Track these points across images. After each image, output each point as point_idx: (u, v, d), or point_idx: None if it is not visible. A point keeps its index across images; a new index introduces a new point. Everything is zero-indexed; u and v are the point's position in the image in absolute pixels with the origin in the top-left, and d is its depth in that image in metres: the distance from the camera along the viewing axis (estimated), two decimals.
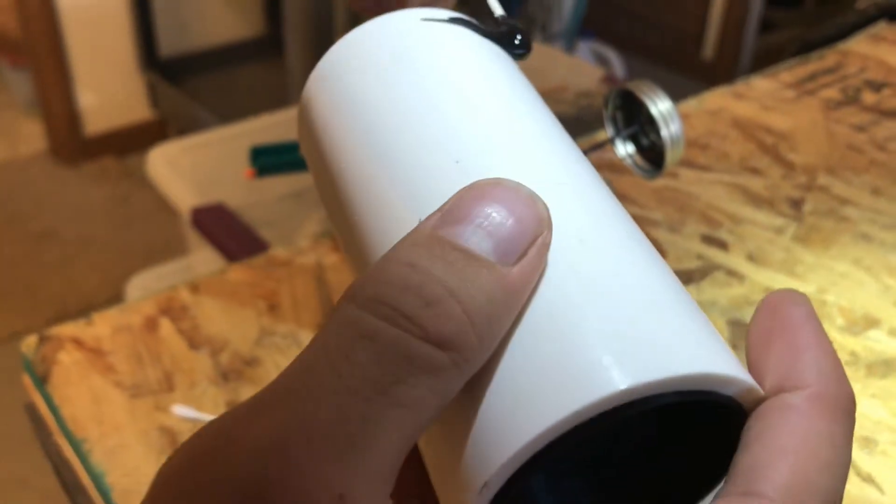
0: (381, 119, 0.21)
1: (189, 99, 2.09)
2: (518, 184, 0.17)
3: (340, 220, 0.22)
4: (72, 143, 2.18)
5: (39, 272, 1.88)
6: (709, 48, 2.64)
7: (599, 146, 0.51)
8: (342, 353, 0.15)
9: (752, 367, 0.19)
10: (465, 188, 0.17)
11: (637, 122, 0.50)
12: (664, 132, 0.47)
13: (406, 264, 0.15)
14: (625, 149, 0.50)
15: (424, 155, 0.20)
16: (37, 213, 2.05)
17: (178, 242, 1.94)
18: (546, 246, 0.17)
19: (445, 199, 0.17)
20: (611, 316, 0.17)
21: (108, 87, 2.18)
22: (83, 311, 1.78)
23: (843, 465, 0.16)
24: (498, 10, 0.27)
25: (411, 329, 0.15)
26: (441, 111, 0.21)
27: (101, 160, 2.21)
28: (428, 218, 0.16)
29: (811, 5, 2.82)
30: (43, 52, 2.06)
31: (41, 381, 0.50)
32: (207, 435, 0.15)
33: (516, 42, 0.26)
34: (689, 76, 2.67)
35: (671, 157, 0.48)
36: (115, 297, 1.80)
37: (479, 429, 0.16)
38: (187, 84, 2.14)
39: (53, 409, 0.49)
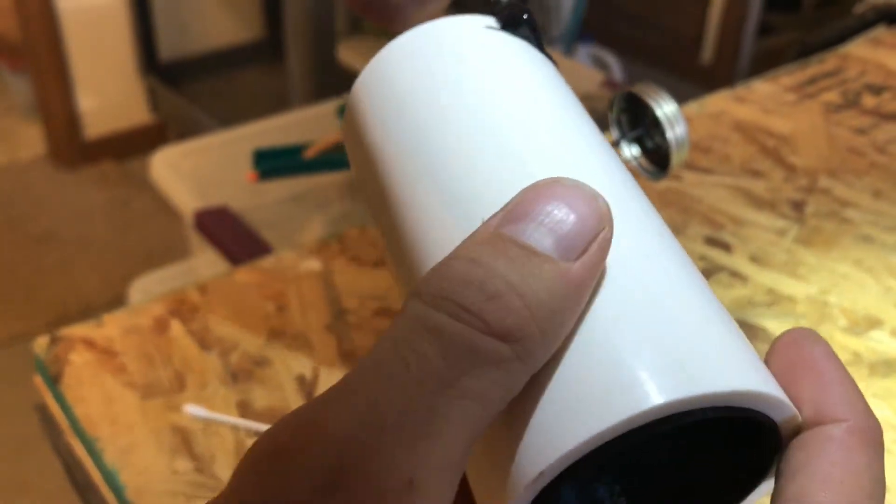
0: (444, 121, 0.22)
1: (188, 102, 2.09)
2: (578, 182, 0.18)
3: (389, 218, 0.22)
4: (71, 146, 2.18)
5: (39, 275, 1.88)
6: (708, 51, 2.65)
7: None
8: (410, 347, 0.15)
9: None
10: (526, 188, 0.17)
11: (642, 125, 0.50)
12: (669, 134, 0.48)
13: (468, 260, 0.16)
14: (630, 151, 0.51)
15: (489, 158, 0.20)
16: (37, 217, 2.05)
17: (177, 245, 1.94)
18: (607, 242, 0.17)
19: (508, 201, 0.17)
20: (667, 330, 0.17)
21: (107, 91, 2.18)
22: (83, 313, 1.78)
23: (881, 493, 0.17)
24: None
25: (474, 323, 0.15)
26: (505, 116, 0.22)
27: (101, 163, 2.22)
28: (491, 217, 0.17)
29: (810, 9, 2.83)
30: (43, 56, 2.07)
31: (53, 382, 0.51)
32: (288, 425, 0.16)
33: (524, 19, 0.26)
34: (688, 79, 2.68)
35: (676, 158, 0.48)
36: (115, 300, 1.81)
37: (537, 424, 0.16)
38: (187, 88, 2.15)
39: (66, 409, 0.50)
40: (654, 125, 0.49)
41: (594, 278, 0.17)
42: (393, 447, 0.15)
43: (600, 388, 0.16)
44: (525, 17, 0.26)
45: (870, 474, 0.17)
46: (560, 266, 0.16)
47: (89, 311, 1.78)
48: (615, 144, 0.51)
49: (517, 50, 0.25)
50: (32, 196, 2.13)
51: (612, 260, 0.18)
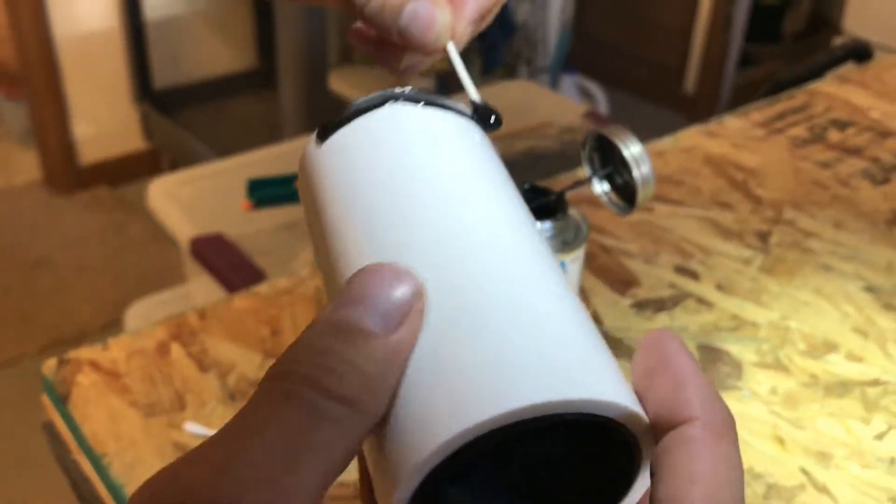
0: (357, 193, 0.27)
1: (182, 130, 2.13)
2: (392, 265, 0.22)
3: (321, 258, 0.28)
4: (66, 172, 2.21)
5: (34, 299, 1.90)
6: (690, 82, 2.71)
7: (579, 184, 0.55)
8: (269, 410, 0.20)
9: (640, 400, 0.23)
10: (353, 274, 0.22)
11: (612, 164, 0.55)
12: (636, 173, 0.52)
13: (312, 344, 0.20)
14: (601, 187, 0.55)
15: (385, 229, 0.26)
16: (32, 242, 2.08)
17: (170, 270, 1.97)
18: (421, 312, 0.22)
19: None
20: (509, 347, 0.21)
21: (102, 118, 2.22)
22: (78, 337, 1.81)
23: (739, 477, 0.20)
24: (474, 96, 0.32)
25: (320, 391, 0.20)
26: (399, 199, 0.27)
27: (95, 189, 2.25)
28: (327, 305, 0.22)
29: (789, 41, 2.90)
30: (39, 84, 2.10)
31: (62, 402, 0.54)
32: (152, 482, 0.19)
33: (491, 122, 0.31)
34: (671, 108, 2.74)
35: (642, 195, 0.52)
36: (109, 324, 1.83)
37: (390, 450, 0.21)
38: (180, 115, 2.19)
39: (73, 427, 0.53)
40: (623, 164, 0.53)
41: (414, 340, 0.21)
42: (250, 490, 0.18)
43: (448, 402, 0.20)
44: (493, 120, 0.31)
45: (727, 463, 0.20)
46: (382, 340, 0.21)
47: (84, 336, 1.80)
48: (588, 180, 0.55)
49: (432, 130, 0.29)
50: (27, 221, 2.16)
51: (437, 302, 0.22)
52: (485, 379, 0.20)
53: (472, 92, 0.33)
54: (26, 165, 2.33)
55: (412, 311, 0.21)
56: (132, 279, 1.95)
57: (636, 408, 0.21)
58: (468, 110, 0.31)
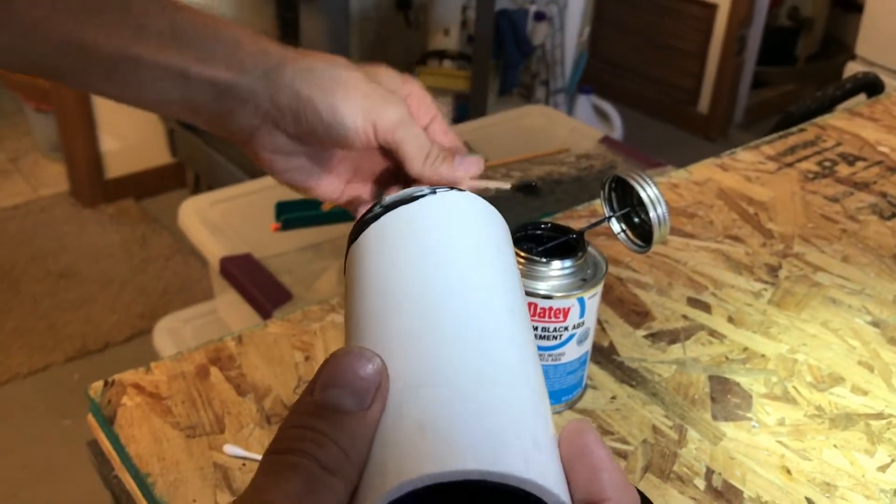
0: (381, 279, 0.33)
1: (206, 145, 2.17)
2: (361, 349, 0.28)
3: (346, 323, 0.34)
4: (93, 185, 2.26)
5: (60, 310, 1.95)
6: (704, 103, 2.74)
7: (597, 223, 0.58)
8: (271, 480, 0.25)
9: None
10: (327, 359, 0.27)
11: (629, 204, 0.58)
12: (652, 213, 0.55)
13: (298, 426, 0.26)
14: (619, 226, 0.58)
15: (400, 312, 0.31)
16: (58, 253, 2.13)
17: (194, 284, 2.01)
18: (386, 390, 0.27)
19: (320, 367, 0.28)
20: (454, 418, 0.26)
21: (129, 133, 2.27)
22: (102, 349, 1.85)
23: None
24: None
25: (316, 464, 0.25)
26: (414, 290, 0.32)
27: (121, 202, 2.30)
28: (307, 387, 0.27)
29: (802, 62, 2.92)
30: (67, 98, 2.15)
31: (108, 423, 0.58)
32: None
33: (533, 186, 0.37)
34: (685, 129, 2.77)
35: (658, 235, 0.56)
36: (133, 336, 1.87)
37: (358, 495, 0.26)
38: (205, 131, 2.23)
39: (118, 447, 0.56)
40: (640, 205, 0.56)
41: (381, 412, 0.27)
42: None
43: (379, 473, 0.25)
44: (534, 184, 0.37)
45: None
46: (359, 416, 0.26)
47: (108, 347, 1.85)
48: (606, 220, 0.58)
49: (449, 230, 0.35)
50: (54, 232, 2.21)
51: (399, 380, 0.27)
52: (439, 440, 0.25)
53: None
54: (54, 178, 2.38)
55: (380, 389, 0.27)
56: (156, 292, 2.00)
57: (557, 489, 0.25)
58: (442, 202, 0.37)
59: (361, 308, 0.32)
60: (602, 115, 2.33)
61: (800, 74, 2.87)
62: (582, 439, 0.27)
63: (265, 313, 1.05)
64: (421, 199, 0.36)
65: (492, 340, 0.30)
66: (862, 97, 1.14)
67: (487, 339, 0.30)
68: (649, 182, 0.56)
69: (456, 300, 0.31)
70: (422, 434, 0.25)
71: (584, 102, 2.28)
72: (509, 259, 0.36)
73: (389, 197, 0.36)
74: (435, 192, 0.36)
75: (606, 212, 0.58)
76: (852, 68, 1.89)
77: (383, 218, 0.36)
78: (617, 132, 2.26)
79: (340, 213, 1.10)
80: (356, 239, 0.36)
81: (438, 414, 0.26)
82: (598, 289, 0.57)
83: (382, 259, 0.34)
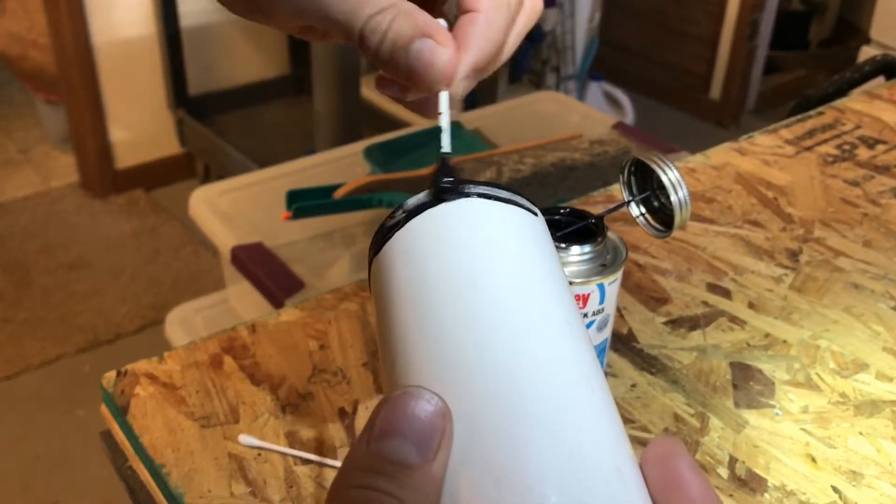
0: (421, 300, 0.29)
1: (216, 135, 2.17)
2: (420, 390, 0.24)
3: (384, 348, 0.30)
4: (103, 176, 2.26)
5: (72, 301, 1.95)
6: (716, 89, 2.71)
7: (617, 208, 0.57)
8: None
9: None
10: (382, 402, 0.24)
11: (649, 188, 0.57)
12: (673, 197, 0.54)
13: (358, 486, 0.22)
14: (638, 210, 0.57)
15: (441, 329, 0.28)
16: (69, 244, 2.13)
17: (204, 274, 2.01)
18: (451, 435, 0.23)
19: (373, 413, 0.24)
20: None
21: (138, 124, 2.26)
22: (113, 340, 1.85)
23: None
24: (447, 148, 0.34)
25: None
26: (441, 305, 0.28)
27: (131, 193, 2.30)
28: (360, 436, 0.23)
29: (815, 48, 2.89)
30: (78, 90, 2.15)
31: (121, 413, 0.57)
32: None
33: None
34: (696, 114, 2.75)
35: (679, 219, 0.54)
36: (144, 326, 1.87)
37: None
38: (214, 121, 2.23)
39: (132, 438, 0.56)
40: (660, 188, 0.55)
41: (447, 460, 0.23)
42: None
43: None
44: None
45: None
46: (424, 469, 0.22)
47: (119, 337, 1.85)
48: (625, 204, 0.57)
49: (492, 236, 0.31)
50: (65, 223, 2.21)
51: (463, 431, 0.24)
52: (515, 491, 0.22)
53: (447, 144, 0.35)
54: (64, 169, 2.38)
55: (444, 436, 0.23)
56: (167, 282, 1.99)
57: None
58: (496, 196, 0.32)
59: (403, 335, 0.28)
60: (613, 102, 2.31)
61: (813, 59, 2.84)
62: (674, 465, 0.23)
63: (277, 303, 1.04)
64: (449, 203, 0.31)
65: (556, 364, 0.26)
66: (879, 80, 1.12)
67: (553, 363, 0.26)
68: (670, 165, 0.55)
69: (515, 319, 0.27)
70: (497, 484, 0.22)
71: (594, 89, 2.26)
72: (558, 263, 0.32)
73: (412, 200, 0.32)
74: (467, 194, 0.32)
75: (625, 196, 0.57)
76: (867, 52, 1.87)
77: (408, 225, 0.31)
78: (628, 119, 2.24)
79: (353, 201, 1.09)
80: (380, 249, 0.32)
81: (512, 457, 0.23)
82: (618, 274, 0.55)
83: (416, 275, 0.29)
